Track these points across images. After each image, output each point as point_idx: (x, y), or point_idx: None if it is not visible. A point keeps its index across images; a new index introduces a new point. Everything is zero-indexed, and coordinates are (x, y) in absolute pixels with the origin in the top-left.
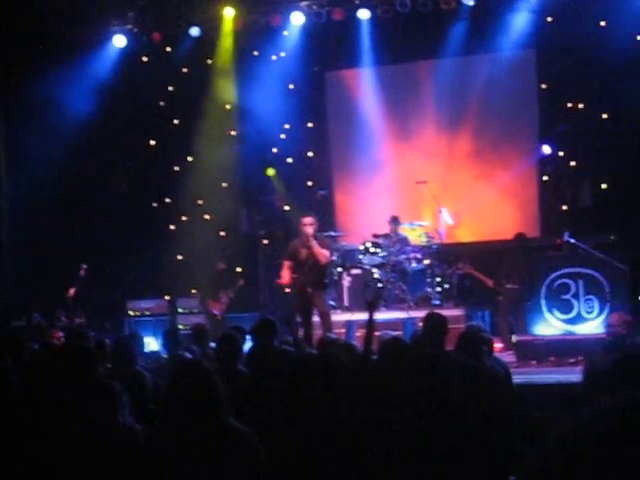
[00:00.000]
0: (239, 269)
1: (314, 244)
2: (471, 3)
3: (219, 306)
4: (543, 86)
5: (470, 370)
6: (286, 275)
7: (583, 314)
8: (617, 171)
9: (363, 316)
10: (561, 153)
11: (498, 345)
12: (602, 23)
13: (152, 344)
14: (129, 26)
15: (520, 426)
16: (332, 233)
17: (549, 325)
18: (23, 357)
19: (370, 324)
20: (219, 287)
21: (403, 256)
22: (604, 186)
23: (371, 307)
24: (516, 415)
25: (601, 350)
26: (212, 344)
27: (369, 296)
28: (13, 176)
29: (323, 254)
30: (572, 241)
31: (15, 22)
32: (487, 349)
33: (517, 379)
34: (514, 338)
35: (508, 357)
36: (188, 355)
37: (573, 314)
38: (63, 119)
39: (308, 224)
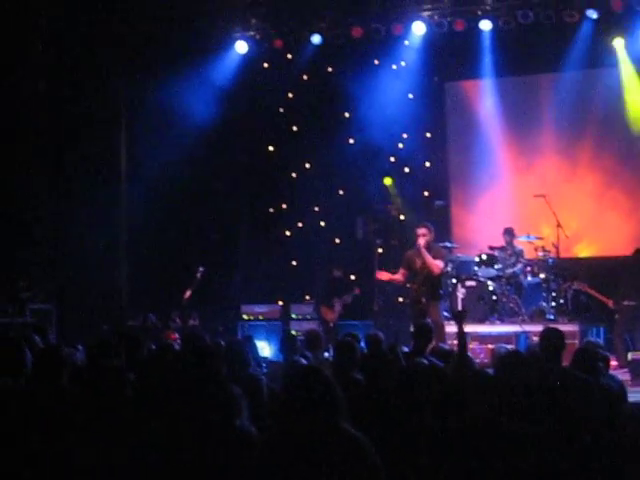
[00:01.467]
0: (353, 277)
1: (426, 254)
2: (594, 16)
3: (332, 313)
4: None
5: (587, 386)
6: (389, 276)
7: None
8: None
9: (477, 328)
10: None
11: (613, 363)
12: None
13: (265, 349)
14: (251, 32)
15: (633, 445)
16: (447, 244)
17: None
18: (140, 356)
19: (460, 332)
20: (333, 294)
21: (518, 269)
22: None
23: (459, 317)
24: (630, 433)
25: None
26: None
27: (456, 309)
28: (134, 182)
29: (436, 264)
30: None
31: (137, 30)
32: (603, 366)
33: (632, 397)
34: (630, 356)
35: (623, 375)
36: (303, 361)
37: None
38: (184, 126)
39: (421, 235)
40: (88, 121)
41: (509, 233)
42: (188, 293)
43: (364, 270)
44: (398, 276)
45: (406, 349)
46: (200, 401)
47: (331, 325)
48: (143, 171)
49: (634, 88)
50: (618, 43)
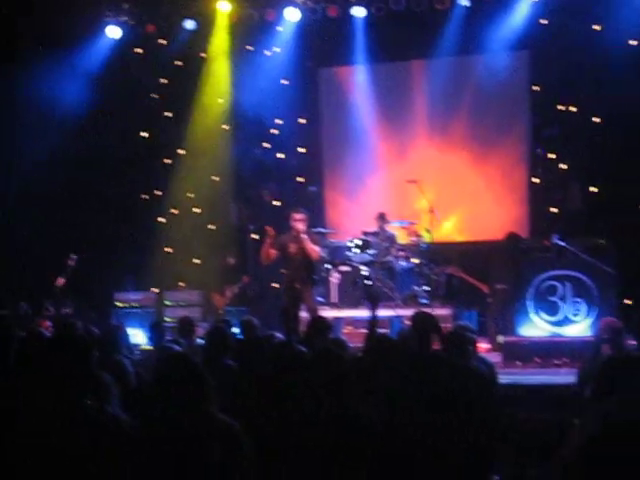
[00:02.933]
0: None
1: (306, 240)
2: (465, 3)
3: (222, 300)
4: (535, 88)
5: (457, 369)
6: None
7: (570, 316)
8: (608, 175)
9: (351, 313)
10: (552, 155)
11: (485, 345)
12: (596, 27)
13: (139, 336)
14: (123, 17)
15: (504, 426)
16: (322, 229)
17: (535, 327)
18: (10, 344)
19: (374, 320)
20: (226, 281)
21: (391, 254)
22: (594, 189)
23: (373, 303)
24: (501, 415)
25: (590, 354)
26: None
27: (370, 294)
28: (3, 168)
29: (315, 250)
30: (561, 244)
31: (4, 14)
32: (472, 349)
33: (502, 379)
34: (500, 339)
35: (494, 357)
36: (175, 347)
37: (560, 316)
38: (54, 111)
39: (299, 220)
40: None
41: (381, 218)
42: (61, 281)
43: (239, 256)
44: (267, 252)
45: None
46: (70, 388)
47: (220, 312)
48: (15, 157)
49: (502, 75)
50: (487, 30)
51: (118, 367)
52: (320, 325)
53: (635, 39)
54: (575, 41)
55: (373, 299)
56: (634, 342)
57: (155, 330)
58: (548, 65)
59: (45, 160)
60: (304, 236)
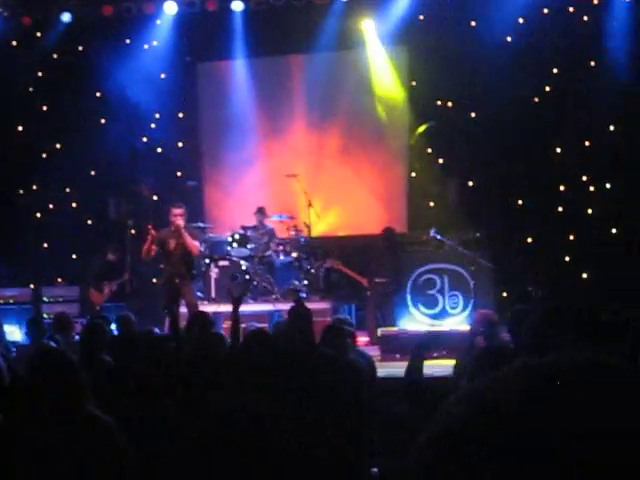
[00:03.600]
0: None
1: (185, 235)
2: None
3: (100, 296)
4: (413, 83)
5: (333, 362)
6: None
7: (448, 309)
8: (484, 169)
9: (230, 308)
10: (429, 150)
11: (364, 339)
12: (473, 23)
13: (15, 333)
14: None
15: (381, 419)
16: (201, 224)
17: (414, 320)
18: None
19: (235, 317)
20: (104, 278)
21: (271, 249)
22: (471, 184)
23: (236, 302)
24: (378, 408)
25: (465, 346)
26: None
27: (235, 291)
28: None
29: (194, 245)
30: (438, 237)
31: None
32: (350, 342)
33: (381, 373)
34: (379, 332)
35: (373, 351)
36: (52, 344)
37: (438, 309)
38: None
39: (179, 215)
40: None
41: (261, 212)
42: None
43: (118, 251)
44: (148, 248)
45: (157, 330)
46: None
47: (97, 308)
48: None
49: (381, 70)
50: (367, 25)
51: None
52: (201, 320)
53: (510, 35)
54: (452, 37)
55: (238, 297)
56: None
57: (33, 326)
58: (425, 60)
59: None
60: (183, 231)
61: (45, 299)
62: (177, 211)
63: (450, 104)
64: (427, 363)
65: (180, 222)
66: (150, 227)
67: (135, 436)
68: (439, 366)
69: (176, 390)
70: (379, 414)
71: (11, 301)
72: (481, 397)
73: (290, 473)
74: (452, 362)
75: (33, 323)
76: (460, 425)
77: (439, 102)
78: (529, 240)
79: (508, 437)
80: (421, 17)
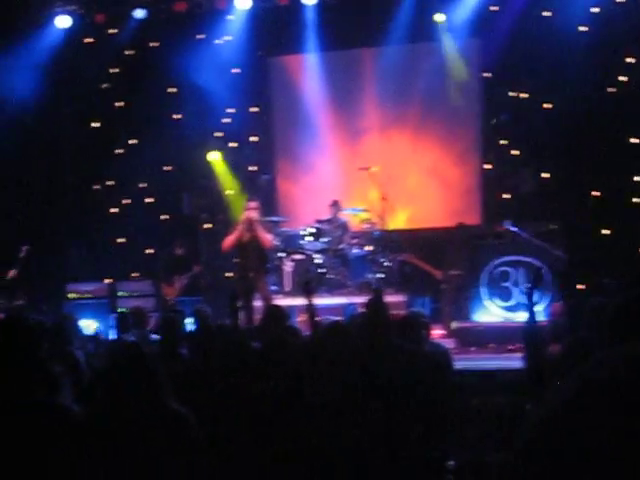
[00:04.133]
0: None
1: (259, 228)
2: None
3: (172, 290)
4: (486, 75)
5: (410, 355)
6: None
7: (523, 302)
8: (559, 160)
9: (305, 301)
10: (503, 142)
11: (439, 332)
12: (546, 13)
13: (92, 327)
14: (72, 7)
15: (459, 411)
16: (274, 218)
17: (489, 312)
18: None
19: (310, 309)
20: (174, 272)
21: (345, 242)
22: (546, 175)
23: (308, 292)
24: (455, 400)
25: (542, 339)
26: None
27: (304, 282)
28: None
29: (267, 238)
30: (513, 229)
31: None
32: (426, 334)
33: (457, 365)
34: (454, 325)
35: (449, 343)
36: (130, 338)
37: (513, 302)
38: (3, 103)
39: (253, 208)
40: None
41: (335, 206)
42: (12, 272)
43: (191, 246)
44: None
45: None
46: (19, 379)
47: (170, 303)
48: None
49: (454, 62)
50: (439, 17)
51: (69, 358)
52: (276, 314)
53: (585, 25)
54: (525, 27)
55: (309, 288)
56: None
57: (119, 321)
58: (499, 52)
59: None
60: (257, 224)
61: (120, 293)
62: (251, 205)
63: (524, 95)
64: (503, 354)
65: (254, 215)
66: (243, 220)
67: (213, 430)
68: (515, 358)
69: (253, 383)
70: (455, 407)
71: (88, 296)
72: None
73: (371, 465)
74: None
75: (121, 317)
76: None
77: (513, 93)
78: (605, 231)
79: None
80: (493, 8)
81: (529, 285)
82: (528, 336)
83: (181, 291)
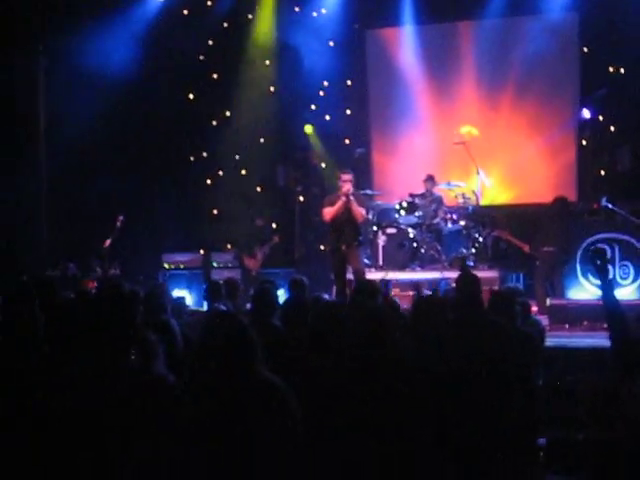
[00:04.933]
0: (274, 225)
1: (352, 201)
2: None
3: (254, 262)
4: (585, 49)
5: (501, 329)
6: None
7: (618, 280)
8: None
9: (397, 275)
10: (601, 117)
11: (533, 309)
12: None
13: (186, 297)
14: None
15: (551, 388)
16: (368, 191)
17: (584, 290)
18: (54, 301)
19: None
20: (255, 243)
21: (439, 217)
22: None
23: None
24: (547, 377)
25: (635, 317)
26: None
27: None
28: (53, 129)
29: (360, 212)
30: (609, 206)
31: None
32: (521, 310)
33: (549, 342)
34: (548, 302)
35: (542, 320)
36: (223, 308)
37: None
38: (103, 77)
39: (347, 180)
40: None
41: (430, 180)
42: (108, 242)
43: (285, 218)
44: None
45: (327, 296)
46: (116, 346)
47: (253, 274)
48: (65, 119)
49: (551, 37)
50: None
51: (164, 327)
52: (367, 289)
53: None
54: (625, 1)
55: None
56: None
57: (211, 290)
58: (597, 26)
59: (93, 122)
60: (351, 197)
61: (215, 264)
62: (345, 177)
63: (623, 70)
64: (597, 333)
65: (348, 188)
66: (343, 193)
67: (304, 401)
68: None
69: (340, 356)
70: (547, 383)
71: (181, 266)
72: None
73: (460, 439)
74: None
75: (212, 287)
76: None
77: (611, 68)
78: None
79: None
80: None
81: (599, 265)
82: (609, 316)
83: (263, 262)
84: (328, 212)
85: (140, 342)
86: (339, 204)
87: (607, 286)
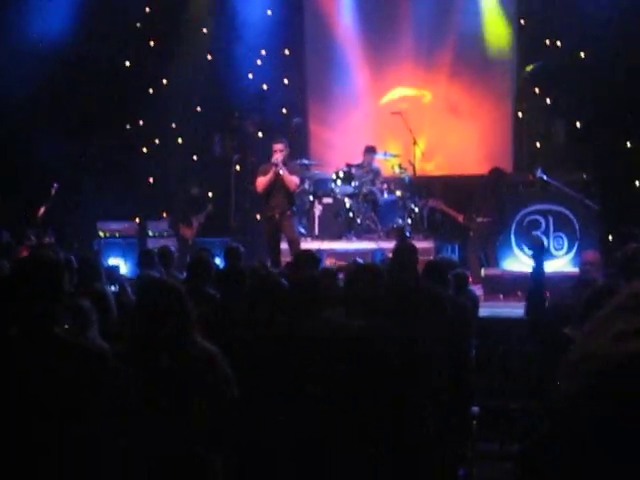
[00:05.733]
0: (210, 194)
1: (283, 170)
2: None
3: (190, 231)
4: (522, 22)
5: (435, 297)
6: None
7: (552, 251)
8: (592, 110)
9: (333, 245)
10: (537, 90)
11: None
12: None
13: (121, 266)
14: None
15: (484, 357)
16: (305, 161)
17: (518, 261)
18: None
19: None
20: (191, 212)
21: (375, 187)
22: (579, 124)
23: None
24: (481, 347)
25: (571, 286)
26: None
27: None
28: None
29: (292, 180)
30: (544, 178)
31: None
32: (454, 280)
33: (484, 312)
34: (483, 272)
35: (477, 290)
36: (156, 275)
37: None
38: (39, 42)
39: (278, 150)
40: None
41: (370, 151)
42: (42, 210)
43: (221, 187)
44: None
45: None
46: (46, 314)
47: (189, 243)
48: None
49: (489, 8)
50: None
51: (98, 294)
52: (308, 258)
53: None
54: None
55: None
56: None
57: (144, 257)
58: None
59: (26, 88)
60: (281, 166)
61: (150, 233)
62: (277, 146)
63: (559, 43)
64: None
65: (278, 157)
66: (275, 162)
67: (239, 368)
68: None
69: (283, 323)
70: (480, 353)
71: (117, 234)
72: None
73: (394, 405)
74: None
75: (145, 254)
76: None
77: (548, 41)
78: (637, 183)
79: None
80: None
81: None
82: (532, 287)
83: (199, 231)
84: (260, 181)
85: (73, 310)
86: (270, 174)
87: (539, 270)
